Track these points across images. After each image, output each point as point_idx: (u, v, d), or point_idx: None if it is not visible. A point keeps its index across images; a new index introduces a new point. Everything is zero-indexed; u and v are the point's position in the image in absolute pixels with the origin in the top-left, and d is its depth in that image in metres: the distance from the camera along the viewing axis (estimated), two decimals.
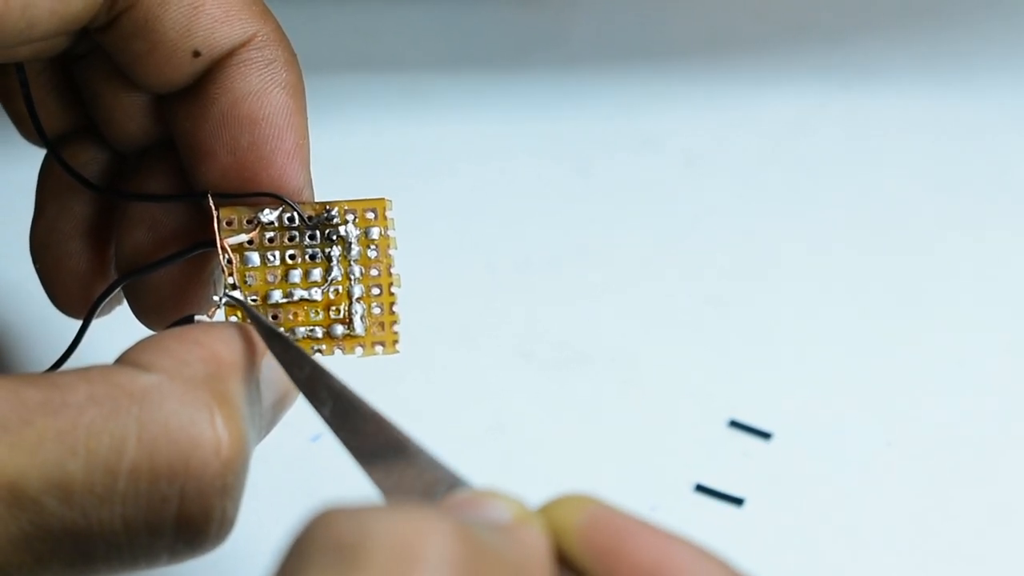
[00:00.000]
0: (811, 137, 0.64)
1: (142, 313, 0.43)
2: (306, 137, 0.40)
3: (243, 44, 0.40)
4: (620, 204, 0.61)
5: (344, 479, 0.50)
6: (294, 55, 0.41)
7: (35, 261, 0.44)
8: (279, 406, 0.38)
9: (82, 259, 0.43)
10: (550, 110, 0.64)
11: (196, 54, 0.39)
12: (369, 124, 0.63)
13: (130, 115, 0.42)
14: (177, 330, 0.36)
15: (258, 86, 0.40)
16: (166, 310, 0.42)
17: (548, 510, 0.31)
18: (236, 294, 0.39)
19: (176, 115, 0.41)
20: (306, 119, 0.40)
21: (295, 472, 0.50)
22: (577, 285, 0.57)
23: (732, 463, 0.51)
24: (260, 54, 0.40)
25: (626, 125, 0.64)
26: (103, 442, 0.33)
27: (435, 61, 0.66)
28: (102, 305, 0.42)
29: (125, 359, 0.35)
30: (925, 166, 0.63)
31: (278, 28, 0.40)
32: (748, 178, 0.62)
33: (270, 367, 0.37)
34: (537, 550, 0.30)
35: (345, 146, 0.61)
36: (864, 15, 0.69)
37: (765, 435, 0.51)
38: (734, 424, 0.52)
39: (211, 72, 0.40)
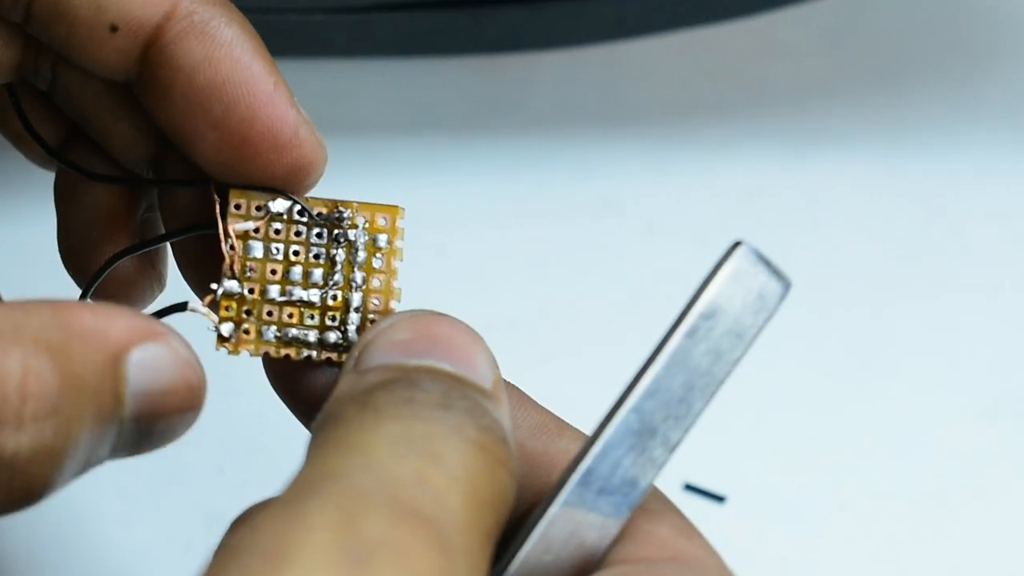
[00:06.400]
0: (768, 202, 0.64)
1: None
2: (277, 74, 0.38)
3: (168, 16, 0.38)
4: (580, 268, 0.61)
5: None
6: (228, 4, 0.38)
7: (67, 267, 0.43)
8: (150, 420, 0.34)
9: (105, 251, 0.42)
10: (510, 174, 0.64)
11: (114, 28, 0.38)
12: (327, 188, 0.63)
13: (121, 127, 0.41)
14: (87, 303, 0.34)
15: (202, 54, 0.38)
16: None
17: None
18: (234, 284, 0.38)
19: (153, 112, 0.39)
20: (269, 58, 0.38)
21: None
22: (536, 349, 0.57)
23: None
24: (189, 21, 0.38)
25: (586, 189, 0.64)
26: None
27: (393, 125, 0.66)
28: (100, 280, 0.40)
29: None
30: (879, 230, 0.63)
31: None
32: (707, 242, 0.62)
33: (144, 365, 0.34)
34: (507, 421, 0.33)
35: None
36: (819, 83, 0.69)
37: (719, 498, 0.52)
38: (689, 488, 0.52)
39: (152, 57, 0.38)
